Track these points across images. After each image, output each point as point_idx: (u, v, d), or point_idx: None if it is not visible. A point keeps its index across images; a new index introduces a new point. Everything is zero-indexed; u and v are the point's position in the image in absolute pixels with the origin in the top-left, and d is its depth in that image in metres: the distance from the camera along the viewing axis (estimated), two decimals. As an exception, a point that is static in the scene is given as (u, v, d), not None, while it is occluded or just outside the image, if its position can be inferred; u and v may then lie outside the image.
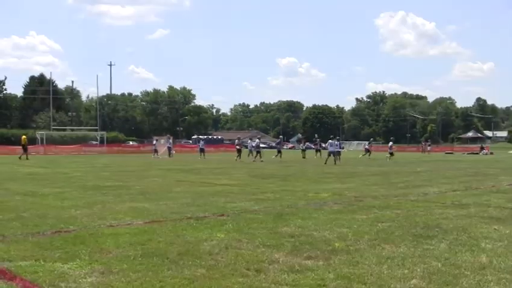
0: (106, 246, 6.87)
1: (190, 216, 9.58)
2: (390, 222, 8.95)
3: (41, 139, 61.72)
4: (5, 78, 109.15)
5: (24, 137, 41.18)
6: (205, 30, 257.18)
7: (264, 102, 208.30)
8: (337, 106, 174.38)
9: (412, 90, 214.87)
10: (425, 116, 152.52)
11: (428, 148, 68.98)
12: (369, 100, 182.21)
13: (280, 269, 5.76)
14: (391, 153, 42.62)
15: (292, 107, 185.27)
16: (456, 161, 41.91)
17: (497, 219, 9.54)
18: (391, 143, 45.68)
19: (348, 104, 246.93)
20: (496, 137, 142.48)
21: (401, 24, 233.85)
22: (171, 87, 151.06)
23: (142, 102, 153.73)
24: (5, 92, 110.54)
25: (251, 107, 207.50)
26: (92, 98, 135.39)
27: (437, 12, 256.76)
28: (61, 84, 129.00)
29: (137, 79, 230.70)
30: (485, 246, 7.09)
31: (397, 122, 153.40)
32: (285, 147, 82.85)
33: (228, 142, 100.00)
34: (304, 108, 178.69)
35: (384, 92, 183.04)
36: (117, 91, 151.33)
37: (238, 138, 42.71)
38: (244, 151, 41.28)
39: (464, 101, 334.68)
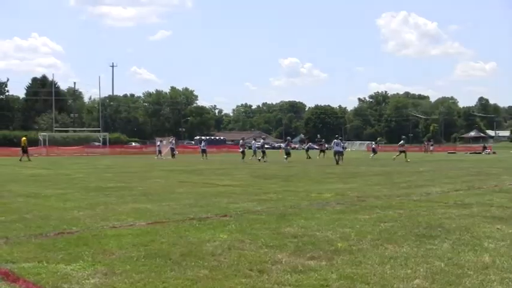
0: (109, 248, 6.88)
1: (193, 217, 9.58)
2: (393, 222, 8.94)
3: (43, 140, 61.87)
4: (7, 79, 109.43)
5: (24, 138, 41.08)
6: (207, 31, 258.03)
7: (266, 103, 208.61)
8: (340, 106, 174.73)
9: (414, 90, 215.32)
10: (427, 116, 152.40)
11: (431, 148, 68.88)
12: (371, 100, 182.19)
13: (283, 270, 5.76)
14: (402, 151, 42.27)
15: (294, 108, 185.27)
16: (459, 160, 41.84)
17: (500, 218, 9.52)
18: (402, 141, 45.31)
19: (350, 104, 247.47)
20: (499, 136, 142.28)
21: (403, 24, 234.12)
22: (173, 88, 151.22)
23: (144, 103, 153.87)
24: (7, 93, 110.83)
25: (253, 107, 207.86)
26: (94, 99, 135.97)
27: (439, 12, 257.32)
28: (63, 86, 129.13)
29: (139, 80, 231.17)
30: (488, 245, 7.08)
31: (399, 122, 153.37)
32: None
33: (230, 143, 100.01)
34: (307, 109, 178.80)
35: (386, 92, 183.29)
36: (119, 92, 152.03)
37: (243, 139, 42.63)
38: (248, 152, 41.17)
39: (466, 100, 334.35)
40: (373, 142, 54.10)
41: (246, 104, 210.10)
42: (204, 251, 6.67)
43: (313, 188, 15.73)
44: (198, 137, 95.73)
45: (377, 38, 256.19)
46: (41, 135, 64.50)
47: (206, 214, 10.02)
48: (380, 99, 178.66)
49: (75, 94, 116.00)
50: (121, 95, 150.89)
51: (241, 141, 42.02)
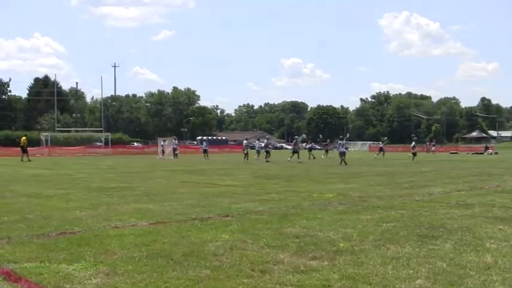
0: (111, 248, 6.89)
1: (194, 217, 9.59)
2: (395, 223, 8.94)
3: (45, 141, 61.85)
4: (10, 80, 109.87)
5: (23, 138, 41.09)
6: (210, 31, 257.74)
7: (268, 103, 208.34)
8: (342, 106, 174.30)
9: (417, 90, 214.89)
10: (429, 116, 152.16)
11: (433, 148, 68.88)
12: (373, 100, 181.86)
13: (285, 270, 5.76)
14: (414, 154, 42.23)
15: (296, 108, 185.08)
16: (461, 161, 41.81)
17: (502, 219, 9.52)
18: (414, 143, 45.14)
19: (353, 105, 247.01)
20: (501, 136, 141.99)
21: (406, 25, 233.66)
22: (175, 88, 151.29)
23: (146, 104, 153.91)
24: (9, 93, 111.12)
25: (255, 107, 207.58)
26: (97, 100, 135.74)
27: (441, 12, 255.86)
28: (65, 86, 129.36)
29: (141, 80, 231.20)
30: (490, 246, 7.08)
31: (401, 122, 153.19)
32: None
33: (232, 143, 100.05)
34: (309, 109, 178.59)
35: (388, 92, 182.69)
36: (121, 92, 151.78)
37: (246, 139, 42.52)
38: (251, 152, 41.13)
39: (468, 100, 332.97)
40: (381, 142, 53.73)
41: (248, 104, 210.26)
42: (206, 251, 6.67)
43: (315, 188, 15.74)
44: (199, 137, 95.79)
45: (379, 38, 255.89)
46: (43, 135, 64.49)
47: (208, 214, 10.03)
48: (382, 99, 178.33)
49: (77, 94, 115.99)
50: (123, 95, 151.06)
51: (244, 141, 41.88)
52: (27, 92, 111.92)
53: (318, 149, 63.56)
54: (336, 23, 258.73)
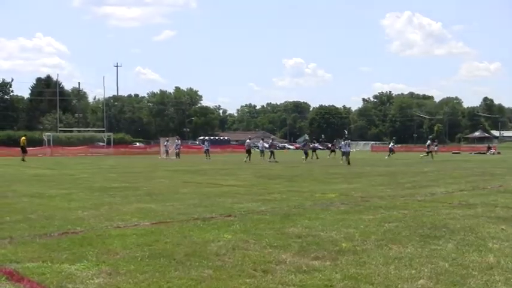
0: (113, 248, 6.89)
1: (197, 217, 9.60)
2: (397, 223, 8.94)
3: (47, 141, 61.87)
4: (12, 80, 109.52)
5: (23, 138, 41.26)
6: (212, 31, 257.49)
7: (270, 103, 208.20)
8: (344, 106, 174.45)
9: (419, 90, 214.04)
10: (432, 116, 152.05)
11: (435, 148, 68.70)
12: (375, 100, 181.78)
13: (287, 270, 5.76)
14: (429, 152, 41.99)
15: (298, 108, 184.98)
16: (463, 161, 41.77)
17: (505, 219, 9.51)
18: (429, 142, 44.83)
19: (355, 105, 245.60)
20: (503, 136, 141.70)
21: (408, 25, 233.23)
22: (177, 88, 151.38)
23: (149, 104, 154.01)
24: (11, 93, 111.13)
25: (258, 107, 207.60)
26: (99, 100, 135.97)
27: (443, 12, 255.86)
28: (68, 86, 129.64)
29: (144, 80, 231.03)
30: (492, 246, 7.08)
31: (403, 122, 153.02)
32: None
33: (234, 143, 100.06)
34: (311, 109, 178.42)
35: (390, 92, 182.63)
36: (123, 92, 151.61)
37: (249, 139, 42.40)
38: (255, 152, 41.05)
39: (471, 100, 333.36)
40: (391, 142, 53.28)
41: (250, 104, 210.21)
42: (208, 251, 6.67)
43: (317, 188, 15.74)
44: (201, 137, 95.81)
45: (381, 38, 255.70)
46: (46, 135, 64.52)
47: (210, 214, 10.03)
48: (384, 99, 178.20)
49: (79, 94, 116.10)
50: (125, 95, 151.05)
51: (247, 141, 41.73)
52: (30, 92, 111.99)
53: (321, 149, 63.47)
54: (338, 22, 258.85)
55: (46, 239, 7.56)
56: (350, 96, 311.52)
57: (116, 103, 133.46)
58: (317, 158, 42.30)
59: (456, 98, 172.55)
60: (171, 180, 19.50)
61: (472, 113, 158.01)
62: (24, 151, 40.06)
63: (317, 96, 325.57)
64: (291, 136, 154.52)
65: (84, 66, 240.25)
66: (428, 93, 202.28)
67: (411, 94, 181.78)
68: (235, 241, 7.30)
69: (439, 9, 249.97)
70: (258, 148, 43.15)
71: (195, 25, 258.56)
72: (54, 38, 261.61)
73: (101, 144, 72.71)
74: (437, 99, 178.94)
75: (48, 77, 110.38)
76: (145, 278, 5.44)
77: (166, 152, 47.71)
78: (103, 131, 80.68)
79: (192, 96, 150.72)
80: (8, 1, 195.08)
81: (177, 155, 46.09)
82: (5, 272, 5.63)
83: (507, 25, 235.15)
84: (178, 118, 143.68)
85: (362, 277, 5.48)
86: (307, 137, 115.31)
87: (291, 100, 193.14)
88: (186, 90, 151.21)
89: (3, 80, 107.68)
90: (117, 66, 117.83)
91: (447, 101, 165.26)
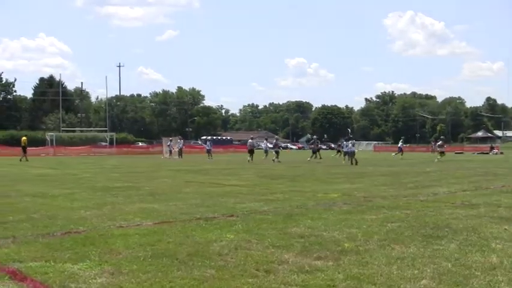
0: (116, 247, 6.90)
1: (199, 217, 9.60)
2: (400, 223, 8.93)
3: (50, 140, 62.00)
4: (15, 80, 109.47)
5: (24, 138, 41.48)
6: (214, 31, 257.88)
7: (273, 103, 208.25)
8: (346, 106, 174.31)
9: (422, 90, 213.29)
10: (434, 116, 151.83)
11: (438, 148, 68.53)
12: (378, 100, 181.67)
13: (289, 270, 5.76)
14: (442, 153, 41.90)
15: (301, 108, 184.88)
16: (466, 160, 41.75)
17: (508, 219, 9.49)
18: (440, 142, 44.72)
19: (357, 104, 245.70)
20: (506, 136, 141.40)
21: (410, 24, 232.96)
22: (180, 88, 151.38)
23: (151, 103, 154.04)
24: (14, 93, 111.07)
25: (260, 107, 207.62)
26: (101, 99, 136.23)
27: (446, 11, 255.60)
28: (70, 86, 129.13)
29: (146, 80, 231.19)
30: (495, 246, 7.06)
31: (406, 122, 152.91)
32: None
33: (237, 143, 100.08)
34: (313, 109, 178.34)
35: (393, 92, 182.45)
36: (126, 92, 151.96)
37: (252, 139, 42.33)
38: (258, 152, 41.02)
39: (473, 100, 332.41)
40: (400, 141, 53.05)
41: (252, 104, 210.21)
42: (210, 251, 6.67)
43: (319, 188, 15.73)
44: (204, 137, 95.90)
45: (384, 37, 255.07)
46: (48, 135, 64.67)
47: (213, 214, 10.04)
48: (387, 99, 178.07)
49: (82, 94, 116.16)
50: (128, 95, 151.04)
51: (250, 140, 41.61)
52: (32, 91, 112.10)
53: (323, 149, 63.41)
54: (341, 22, 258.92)
55: (49, 238, 7.57)
56: (352, 96, 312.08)
57: (118, 103, 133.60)
58: (320, 158, 42.27)
59: (459, 98, 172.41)
60: (174, 180, 19.52)
61: (474, 113, 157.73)
62: (24, 151, 40.17)
63: (319, 96, 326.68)
64: (294, 136, 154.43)
65: (87, 66, 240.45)
66: (431, 93, 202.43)
67: (414, 94, 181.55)
68: (238, 241, 7.31)
69: (442, 8, 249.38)
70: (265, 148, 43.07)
71: (198, 25, 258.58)
72: (57, 38, 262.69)
73: (104, 144, 72.82)
74: (440, 99, 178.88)
75: (51, 77, 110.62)
76: (148, 277, 5.45)
77: (170, 151, 47.70)
78: (105, 131, 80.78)
79: (195, 96, 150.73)
80: (10, 1, 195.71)
81: (180, 154, 46.13)
82: (8, 271, 5.64)
83: (510, 25, 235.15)
84: (180, 118, 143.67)
85: (364, 277, 5.48)
86: (307, 137, 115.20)
87: (294, 100, 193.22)
88: (188, 90, 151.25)
89: (6, 80, 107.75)
90: (119, 66, 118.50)
91: (450, 101, 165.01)
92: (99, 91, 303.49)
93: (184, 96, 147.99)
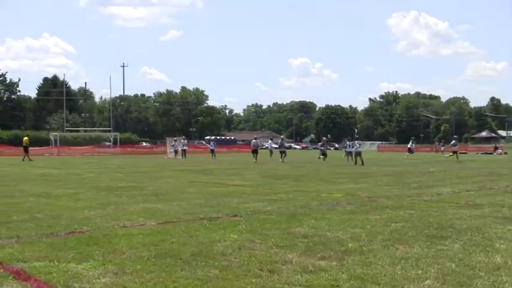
0: (119, 247, 6.90)
1: (203, 217, 9.60)
2: (404, 223, 8.92)
3: (54, 140, 62.06)
4: (19, 80, 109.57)
5: (26, 138, 41.68)
6: (218, 31, 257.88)
7: (276, 103, 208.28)
8: (350, 106, 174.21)
9: (425, 90, 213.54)
10: (438, 116, 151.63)
11: (442, 148, 68.46)
12: (381, 100, 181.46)
13: (293, 270, 5.76)
14: (455, 152, 41.69)
15: (304, 108, 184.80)
16: (470, 161, 41.66)
17: (512, 219, 9.47)
18: (454, 141, 44.54)
19: (361, 104, 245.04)
20: (510, 136, 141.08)
21: (414, 24, 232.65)
22: (183, 88, 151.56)
23: (155, 103, 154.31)
24: (18, 93, 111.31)
25: (264, 107, 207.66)
26: (105, 99, 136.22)
27: (449, 11, 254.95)
28: (74, 86, 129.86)
29: (150, 80, 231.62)
30: (499, 246, 7.05)
31: (410, 122, 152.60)
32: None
33: (241, 143, 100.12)
34: (317, 109, 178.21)
35: (396, 92, 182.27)
36: (130, 92, 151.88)
37: (255, 138, 42.23)
38: (263, 152, 40.94)
39: (477, 100, 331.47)
40: (410, 141, 52.85)
41: (256, 104, 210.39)
42: (214, 251, 6.67)
43: (323, 188, 15.72)
44: (208, 137, 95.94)
45: (388, 37, 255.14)
46: (52, 135, 64.73)
47: (216, 214, 10.04)
48: (391, 99, 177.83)
49: (86, 94, 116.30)
50: (132, 95, 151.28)
51: (253, 140, 41.47)
52: (36, 91, 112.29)
53: (328, 149, 63.33)
54: (344, 22, 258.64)
55: (53, 238, 7.58)
56: (356, 96, 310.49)
57: (122, 103, 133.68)
58: (325, 158, 42.24)
59: (463, 98, 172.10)
60: (177, 180, 19.52)
61: (478, 112, 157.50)
62: (26, 151, 40.31)
63: (323, 96, 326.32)
64: (297, 136, 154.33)
65: (91, 66, 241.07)
66: (435, 93, 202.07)
67: (417, 94, 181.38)
68: (242, 241, 7.30)
69: (446, 8, 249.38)
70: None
71: (201, 25, 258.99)
72: (61, 38, 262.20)
73: (108, 143, 72.91)
74: (443, 99, 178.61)
75: (55, 77, 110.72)
76: (152, 277, 5.45)
77: (175, 151, 47.70)
78: (109, 131, 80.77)
79: (198, 96, 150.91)
80: (14, 1, 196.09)
81: (184, 154, 46.15)
82: (12, 271, 5.65)
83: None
84: (184, 118, 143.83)
85: (368, 277, 5.47)
86: (310, 137, 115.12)
87: (297, 100, 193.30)
88: (192, 90, 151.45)
89: (11, 79, 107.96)
90: (123, 66, 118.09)
91: (454, 101, 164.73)
92: (103, 91, 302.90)
93: (188, 96, 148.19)
